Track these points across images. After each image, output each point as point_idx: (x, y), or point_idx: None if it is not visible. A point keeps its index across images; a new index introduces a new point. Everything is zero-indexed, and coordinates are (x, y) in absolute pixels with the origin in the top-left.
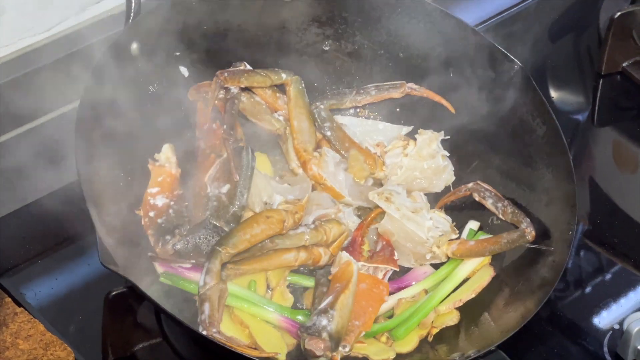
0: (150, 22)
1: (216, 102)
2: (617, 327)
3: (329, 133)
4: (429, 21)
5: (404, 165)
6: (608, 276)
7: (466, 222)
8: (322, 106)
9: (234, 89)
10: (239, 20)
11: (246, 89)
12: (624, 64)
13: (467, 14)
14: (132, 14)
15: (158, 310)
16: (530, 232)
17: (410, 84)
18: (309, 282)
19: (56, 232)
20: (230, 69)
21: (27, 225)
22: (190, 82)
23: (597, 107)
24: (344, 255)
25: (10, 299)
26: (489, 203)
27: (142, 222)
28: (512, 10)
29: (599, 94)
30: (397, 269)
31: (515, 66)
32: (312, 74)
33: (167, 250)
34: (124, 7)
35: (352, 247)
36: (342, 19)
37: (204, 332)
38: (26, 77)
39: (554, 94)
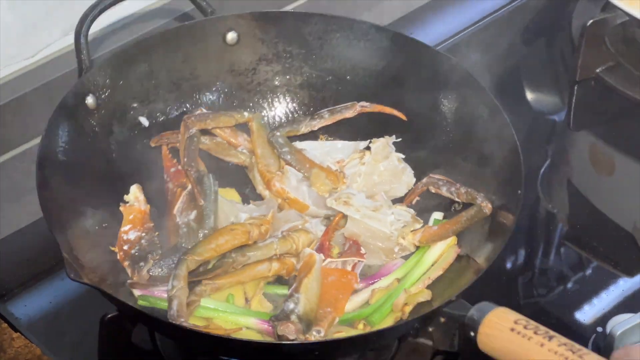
0: (103, 75)
1: (177, 144)
2: (600, 329)
3: (288, 157)
4: (366, 39)
5: (362, 172)
6: (589, 277)
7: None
8: (278, 134)
9: (192, 130)
10: (190, 69)
11: (207, 132)
12: (598, 70)
13: (442, 26)
14: (83, 67)
15: (123, 310)
16: (486, 205)
17: (362, 103)
18: (284, 291)
19: (48, 256)
20: (196, 113)
21: (18, 251)
22: (151, 131)
23: (572, 112)
24: (307, 250)
25: (6, 325)
26: (444, 190)
27: (118, 257)
28: (486, 20)
29: (574, 99)
30: (364, 260)
31: (453, 62)
32: (268, 110)
33: (143, 276)
34: (107, 30)
35: (321, 252)
36: (287, 53)
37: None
38: (15, 102)
39: (530, 99)
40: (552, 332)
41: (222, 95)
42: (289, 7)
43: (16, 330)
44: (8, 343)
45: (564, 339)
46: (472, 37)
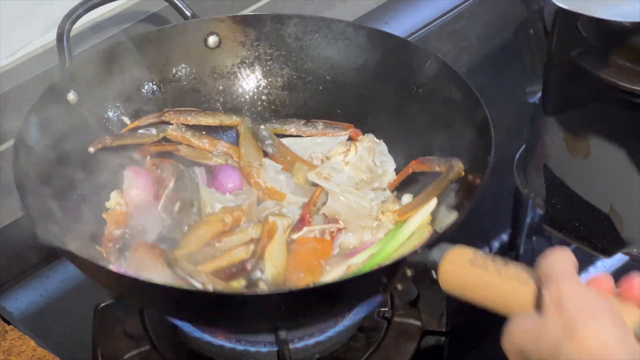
0: (86, 72)
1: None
2: None
3: (271, 150)
4: (344, 38)
5: (345, 172)
6: None
7: None
8: (263, 127)
9: (149, 130)
10: (172, 72)
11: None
12: (572, 54)
13: (412, 18)
14: (66, 62)
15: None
16: (457, 164)
17: (356, 129)
18: None
19: (37, 250)
20: (177, 108)
21: (7, 245)
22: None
23: (547, 96)
24: (270, 218)
25: None
26: (428, 164)
27: (105, 256)
28: (458, 9)
29: (549, 84)
30: (343, 228)
31: (427, 52)
32: (250, 111)
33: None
34: (87, 26)
35: (301, 224)
36: (267, 55)
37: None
38: None
39: (504, 86)
40: (508, 260)
41: (205, 97)
42: (262, 4)
43: (9, 323)
44: (2, 335)
45: (518, 264)
46: (444, 26)
